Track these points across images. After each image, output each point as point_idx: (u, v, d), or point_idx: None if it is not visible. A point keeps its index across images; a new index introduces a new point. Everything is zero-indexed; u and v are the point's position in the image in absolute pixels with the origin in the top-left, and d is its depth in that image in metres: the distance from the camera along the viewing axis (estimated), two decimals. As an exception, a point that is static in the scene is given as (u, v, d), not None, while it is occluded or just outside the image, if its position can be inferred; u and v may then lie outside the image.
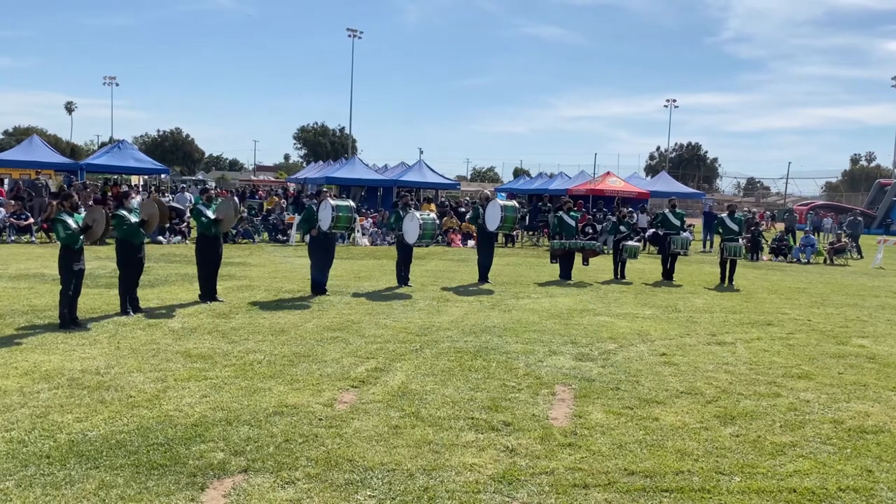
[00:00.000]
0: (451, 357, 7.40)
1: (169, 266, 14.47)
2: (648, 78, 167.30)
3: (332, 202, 11.45)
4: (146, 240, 9.69)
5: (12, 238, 19.05)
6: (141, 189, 30.92)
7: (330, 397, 5.90)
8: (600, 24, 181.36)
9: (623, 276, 14.96)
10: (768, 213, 38.14)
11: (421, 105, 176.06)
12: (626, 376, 6.87)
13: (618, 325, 9.53)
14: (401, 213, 13.00)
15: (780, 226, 28.88)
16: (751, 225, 22.10)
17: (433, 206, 25.36)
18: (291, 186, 40.17)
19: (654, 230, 18.14)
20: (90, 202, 20.57)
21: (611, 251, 16.55)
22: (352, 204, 11.98)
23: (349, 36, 61.65)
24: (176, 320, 8.96)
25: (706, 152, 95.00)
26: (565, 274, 14.53)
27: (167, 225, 21.00)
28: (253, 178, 75.70)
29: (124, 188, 25.27)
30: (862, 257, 23.16)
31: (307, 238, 11.93)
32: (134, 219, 9.37)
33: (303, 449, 4.77)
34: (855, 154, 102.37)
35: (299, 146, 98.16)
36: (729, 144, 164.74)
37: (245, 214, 24.31)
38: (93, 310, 9.34)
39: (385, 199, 29.02)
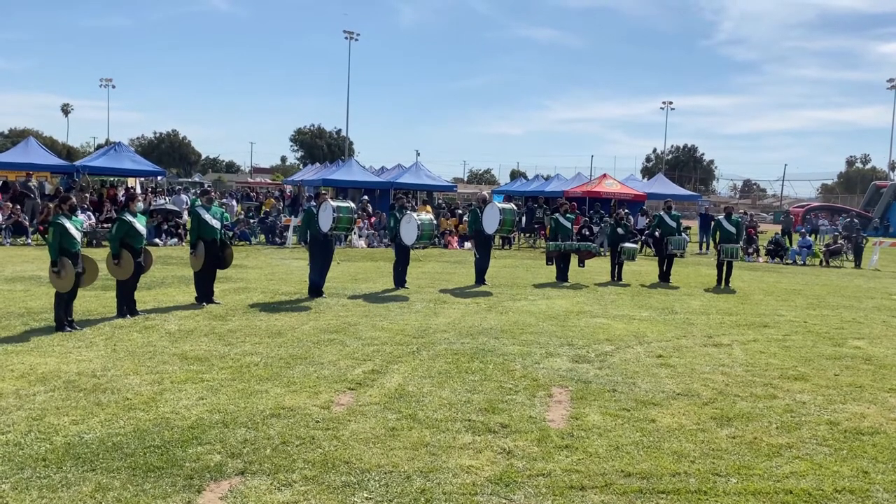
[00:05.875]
0: (447, 359, 7.40)
1: (165, 268, 14.44)
2: (644, 80, 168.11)
3: (333, 203, 11.43)
4: (145, 243, 9.65)
5: (8, 240, 19.03)
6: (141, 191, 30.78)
7: (327, 399, 5.90)
8: (595, 27, 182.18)
9: (620, 278, 14.98)
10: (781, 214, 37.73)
11: (417, 107, 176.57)
12: (623, 378, 6.87)
13: (614, 327, 9.54)
14: (397, 215, 13.00)
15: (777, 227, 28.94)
16: (749, 228, 22.16)
17: (429, 208, 25.35)
18: (288, 188, 40.08)
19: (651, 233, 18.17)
20: (86, 205, 20.59)
21: (607, 253, 16.57)
22: (352, 205, 11.97)
23: (346, 38, 61.93)
24: (172, 323, 8.94)
25: (702, 154, 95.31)
26: (562, 276, 14.55)
27: (164, 227, 21.05)
28: (249, 179, 75.70)
29: (121, 190, 25.23)
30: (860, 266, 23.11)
31: (304, 243, 11.89)
32: (139, 226, 9.31)
33: (300, 451, 4.76)
34: (850, 156, 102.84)
35: (296, 148, 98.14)
36: (724, 146, 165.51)
37: (242, 216, 24.34)
38: (89, 312, 9.32)
39: (382, 201, 28.98)
